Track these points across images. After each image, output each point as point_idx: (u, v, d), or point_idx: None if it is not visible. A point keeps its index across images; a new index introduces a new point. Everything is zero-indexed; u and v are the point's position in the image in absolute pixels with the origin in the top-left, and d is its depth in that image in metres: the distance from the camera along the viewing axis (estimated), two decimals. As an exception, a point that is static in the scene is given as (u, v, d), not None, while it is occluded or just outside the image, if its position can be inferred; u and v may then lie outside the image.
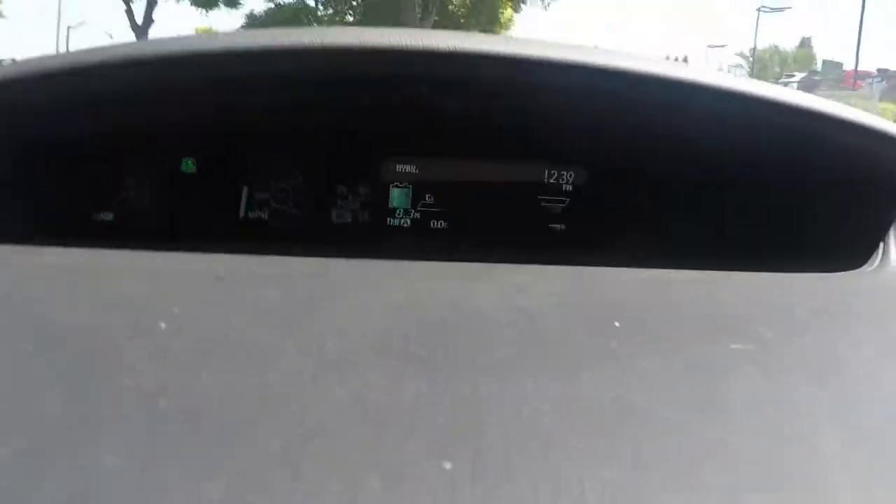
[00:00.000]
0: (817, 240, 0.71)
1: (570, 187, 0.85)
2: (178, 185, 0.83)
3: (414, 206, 0.85)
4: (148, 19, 14.92)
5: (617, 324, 0.38)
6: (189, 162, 0.83)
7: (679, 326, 0.39)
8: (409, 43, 0.58)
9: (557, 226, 0.85)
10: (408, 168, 0.85)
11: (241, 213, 0.85)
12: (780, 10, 25.25)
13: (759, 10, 24.47)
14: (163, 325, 0.34)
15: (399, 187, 0.85)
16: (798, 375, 0.34)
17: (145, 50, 0.61)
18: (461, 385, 0.28)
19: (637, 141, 0.78)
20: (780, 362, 0.35)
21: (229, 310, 0.38)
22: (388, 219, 0.85)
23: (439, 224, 0.85)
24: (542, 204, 0.85)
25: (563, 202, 0.85)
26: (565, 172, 0.85)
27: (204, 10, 15.82)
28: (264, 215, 0.85)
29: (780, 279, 0.55)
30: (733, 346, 0.35)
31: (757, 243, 0.76)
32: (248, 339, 0.33)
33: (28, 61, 0.63)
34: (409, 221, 0.85)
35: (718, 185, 0.81)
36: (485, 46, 0.58)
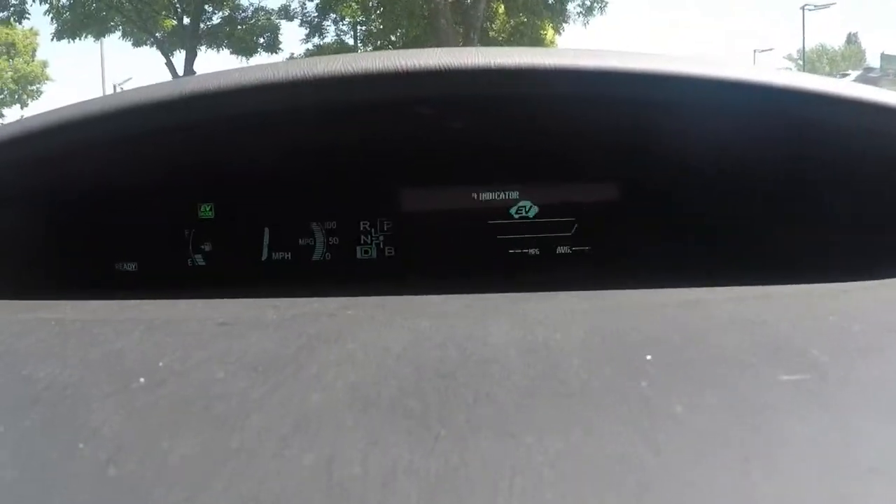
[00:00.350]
0: (875, 242, 0.64)
1: (599, 204, 0.80)
2: (198, 231, 0.82)
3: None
4: (189, 71, 15.39)
5: (649, 357, 0.33)
6: (206, 207, 0.82)
7: (719, 357, 0.34)
8: (421, 64, 0.55)
9: (585, 247, 0.80)
10: (429, 197, 0.82)
11: (264, 256, 0.83)
12: (825, 6, 24.46)
13: (803, 8, 23.77)
14: (142, 380, 0.32)
15: (421, 218, 0.82)
16: (865, 408, 0.28)
17: (158, 92, 0.59)
18: (449, 446, 0.24)
19: (671, 152, 0.73)
20: (841, 393, 0.29)
21: (219, 360, 0.35)
22: (411, 251, 0.82)
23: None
24: (573, 223, 0.80)
25: (593, 220, 0.80)
26: (594, 189, 0.80)
27: (244, 58, 16.27)
28: (288, 256, 0.83)
29: (832, 290, 0.48)
30: (784, 378, 0.30)
31: (807, 250, 0.69)
32: (228, 394, 0.31)
33: (43, 114, 0.62)
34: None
35: (759, 183, 0.74)
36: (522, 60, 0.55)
